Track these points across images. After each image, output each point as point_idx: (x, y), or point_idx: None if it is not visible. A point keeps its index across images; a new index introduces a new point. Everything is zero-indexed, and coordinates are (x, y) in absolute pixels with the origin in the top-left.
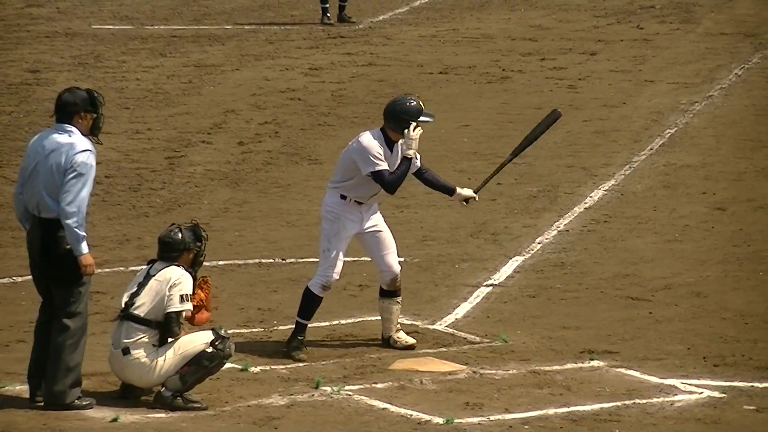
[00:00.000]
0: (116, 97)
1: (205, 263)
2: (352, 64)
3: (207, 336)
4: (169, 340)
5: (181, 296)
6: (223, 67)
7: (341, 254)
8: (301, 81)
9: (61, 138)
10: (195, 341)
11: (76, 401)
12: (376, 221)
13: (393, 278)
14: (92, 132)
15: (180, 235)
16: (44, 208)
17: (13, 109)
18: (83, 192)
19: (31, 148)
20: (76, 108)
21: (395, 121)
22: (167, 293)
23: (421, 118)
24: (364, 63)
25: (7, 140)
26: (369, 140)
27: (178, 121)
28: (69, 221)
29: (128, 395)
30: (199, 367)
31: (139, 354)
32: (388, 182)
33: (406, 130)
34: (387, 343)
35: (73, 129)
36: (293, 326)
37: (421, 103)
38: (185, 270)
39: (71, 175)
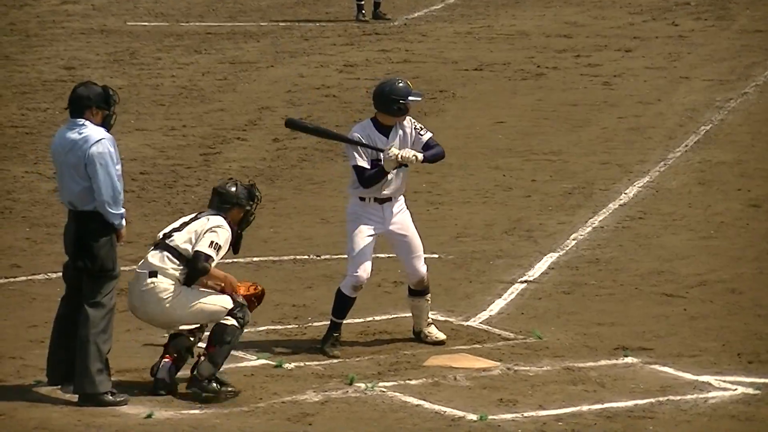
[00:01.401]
0: (151, 94)
1: (239, 260)
2: (387, 61)
3: (228, 300)
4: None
5: (211, 242)
6: (258, 64)
7: (368, 254)
8: (336, 78)
9: (73, 134)
10: (216, 302)
11: (110, 397)
12: (403, 223)
13: (419, 280)
14: (102, 128)
15: (235, 188)
16: (76, 201)
17: (49, 105)
18: (111, 179)
19: (52, 150)
20: (89, 103)
21: (385, 103)
22: (202, 234)
23: (410, 98)
24: (399, 60)
25: (43, 137)
26: (354, 133)
27: (213, 118)
28: (107, 209)
29: (159, 387)
30: (224, 344)
31: (162, 283)
32: (364, 179)
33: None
34: (418, 336)
35: (85, 122)
36: (328, 323)
37: (409, 83)
38: (230, 226)
39: (92, 168)
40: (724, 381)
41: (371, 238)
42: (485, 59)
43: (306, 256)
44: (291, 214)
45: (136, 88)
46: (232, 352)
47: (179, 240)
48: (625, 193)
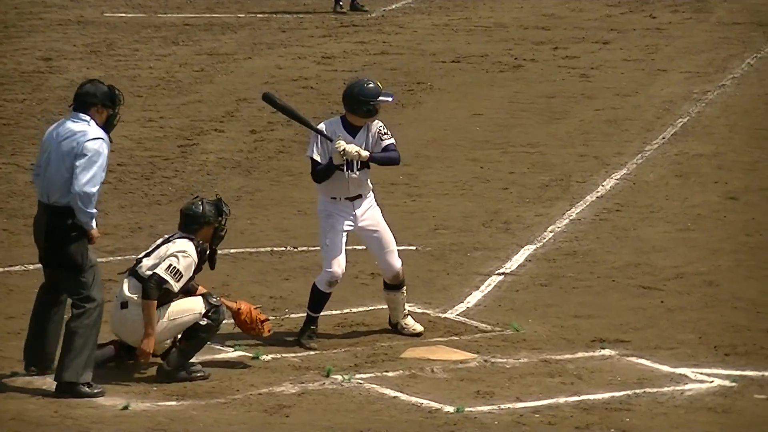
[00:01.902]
0: (129, 85)
1: (217, 251)
2: (364, 53)
3: (199, 305)
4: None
5: (169, 266)
6: (235, 56)
7: (341, 248)
8: (314, 69)
9: (74, 126)
10: (188, 310)
11: (87, 389)
12: (373, 220)
13: (394, 275)
14: (105, 129)
15: (202, 208)
16: (54, 192)
17: (26, 96)
18: (94, 177)
19: (45, 137)
20: (95, 100)
21: (354, 104)
22: (164, 259)
23: (380, 98)
24: (376, 52)
25: (20, 128)
26: (320, 125)
27: (191, 110)
28: (79, 203)
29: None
30: (197, 340)
31: (135, 312)
32: (316, 172)
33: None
34: (395, 327)
35: (89, 118)
36: (305, 315)
37: (378, 83)
38: (197, 251)
39: (82, 160)
40: (701, 373)
41: (344, 233)
42: (463, 51)
43: (283, 248)
44: (268, 206)
45: (114, 80)
46: (209, 344)
47: (145, 267)
48: (602, 186)
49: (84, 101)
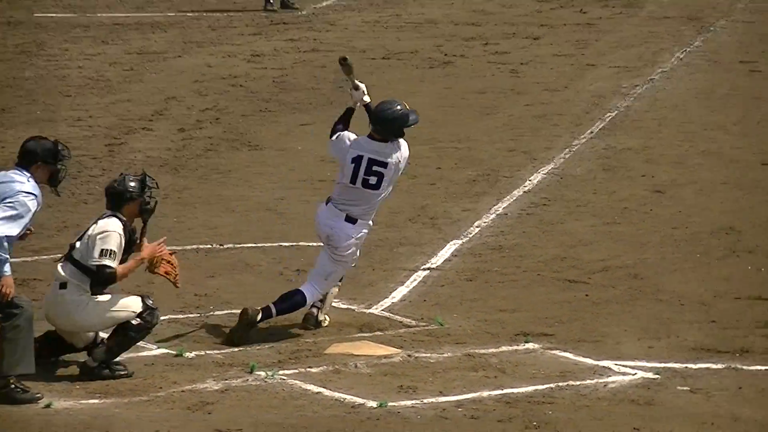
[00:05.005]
0: (58, 85)
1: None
2: (294, 51)
3: (137, 304)
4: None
5: (102, 251)
6: (165, 54)
7: None
8: (244, 67)
9: (15, 176)
10: (126, 307)
11: (23, 394)
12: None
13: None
14: (50, 183)
15: (123, 183)
16: None
17: None
18: (11, 223)
19: None
20: (36, 157)
21: (387, 126)
22: (93, 244)
23: (411, 119)
24: (306, 49)
25: None
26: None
27: (120, 108)
28: None
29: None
30: (126, 338)
31: (72, 294)
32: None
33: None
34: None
35: (29, 175)
36: (229, 312)
37: (406, 105)
38: (122, 226)
39: (7, 205)
40: (624, 365)
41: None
42: (393, 48)
43: (209, 246)
44: (196, 204)
45: (43, 80)
46: None
47: (79, 251)
48: (529, 180)
49: (26, 158)
